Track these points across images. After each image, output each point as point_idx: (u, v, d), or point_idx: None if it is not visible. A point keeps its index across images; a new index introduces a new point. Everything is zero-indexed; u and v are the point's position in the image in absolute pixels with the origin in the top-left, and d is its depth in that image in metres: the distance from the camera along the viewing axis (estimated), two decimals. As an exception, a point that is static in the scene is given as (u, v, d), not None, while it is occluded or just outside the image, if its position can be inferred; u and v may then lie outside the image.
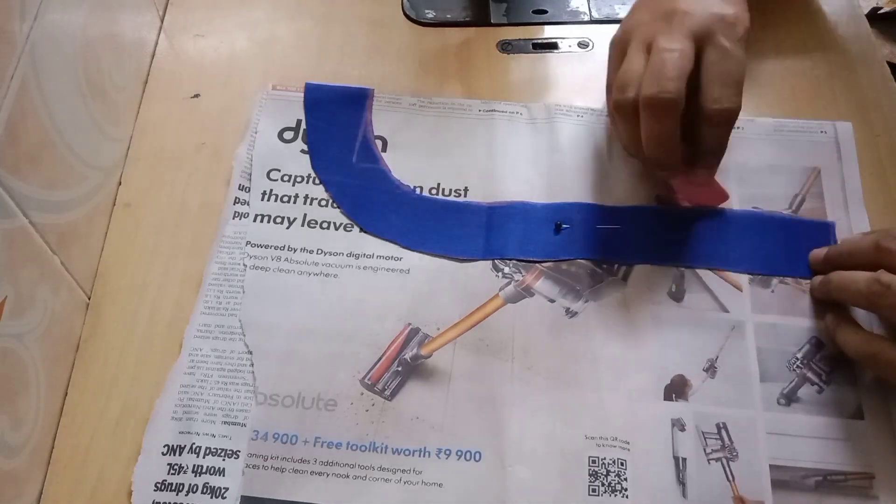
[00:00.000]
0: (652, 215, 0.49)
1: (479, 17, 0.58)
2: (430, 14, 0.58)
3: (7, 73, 0.37)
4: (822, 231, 0.48)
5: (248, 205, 0.49)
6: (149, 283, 0.47)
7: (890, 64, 0.58)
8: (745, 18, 0.45)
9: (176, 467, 0.41)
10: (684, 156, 0.45)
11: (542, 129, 0.52)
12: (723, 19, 0.44)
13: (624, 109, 0.44)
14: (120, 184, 0.50)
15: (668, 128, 0.43)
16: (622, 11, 0.58)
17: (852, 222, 0.49)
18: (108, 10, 0.49)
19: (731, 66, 0.43)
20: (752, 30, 0.46)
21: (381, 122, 0.52)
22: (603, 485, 0.41)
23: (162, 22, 0.57)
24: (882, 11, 1.06)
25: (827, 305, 0.45)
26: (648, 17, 0.46)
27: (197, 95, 0.54)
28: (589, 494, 0.41)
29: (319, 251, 0.47)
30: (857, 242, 0.45)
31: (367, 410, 0.43)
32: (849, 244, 0.46)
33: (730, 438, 0.42)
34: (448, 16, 0.58)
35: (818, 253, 0.47)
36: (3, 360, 0.37)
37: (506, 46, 0.57)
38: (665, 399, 0.43)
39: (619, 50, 0.47)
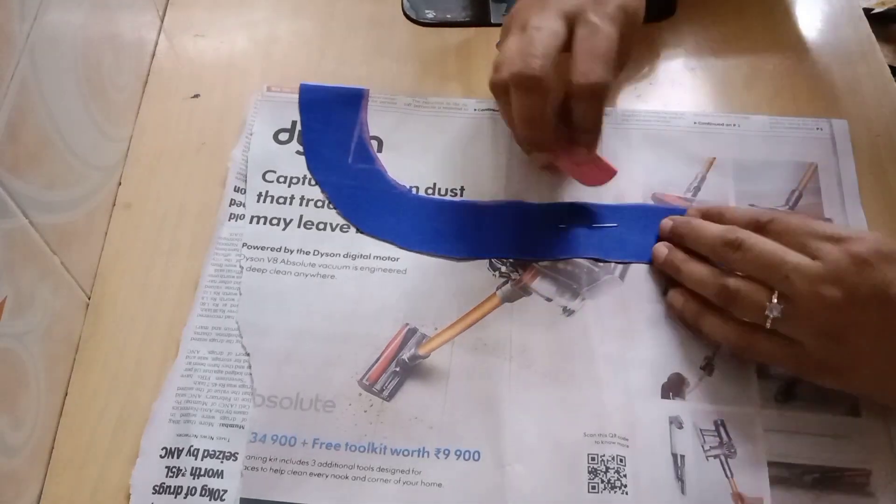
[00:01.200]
0: (649, 214, 0.49)
1: (479, 17, 0.58)
2: (430, 14, 0.58)
3: (7, 73, 0.37)
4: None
5: (243, 206, 0.49)
6: (149, 283, 0.47)
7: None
8: None
9: (174, 470, 0.41)
10: (565, 135, 0.46)
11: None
12: None
13: (498, 89, 0.45)
14: (120, 184, 0.50)
15: (537, 105, 0.44)
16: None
17: (849, 218, 0.49)
18: (108, 10, 0.49)
19: (598, 40, 0.44)
20: (640, 8, 0.47)
21: (377, 122, 0.52)
22: (602, 481, 0.41)
23: (162, 22, 0.58)
24: (874, 12, 1.06)
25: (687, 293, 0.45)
26: (528, 1, 0.47)
27: (197, 95, 0.54)
28: (589, 491, 0.41)
29: (316, 252, 0.47)
30: (705, 229, 0.44)
31: (365, 411, 0.43)
32: (696, 231, 0.45)
33: (728, 435, 0.42)
34: (448, 16, 0.58)
35: (666, 223, 0.47)
36: (3, 360, 0.37)
37: (505, 46, 0.57)
38: (663, 397, 0.43)
39: (502, 34, 0.48)
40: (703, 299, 0.43)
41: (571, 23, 0.45)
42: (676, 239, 0.46)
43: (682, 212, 0.49)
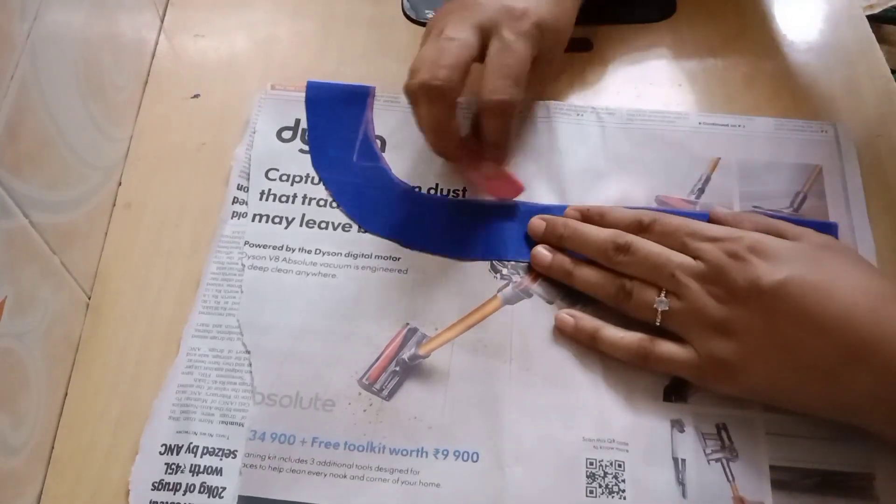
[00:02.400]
0: (651, 215, 0.49)
1: (479, 16, 0.58)
2: (430, 14, 0.58)
3: (7, 73, 0.37)
4: (825, 232, 0.48)
5: (246, 204, 0.49)
6: (149, 283, 0.47)
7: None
8: (536, 13, 0.46)
9: (173, 467, 0.41)
10: (476, 146, 0.47)
11: (541, 129, 0.52)
12: (510, 12, 0.45)
13: (410, 94, 0.45)
14: (120, 184, 0.50)
15: (442, 115, 0.44)
16: (622, 12, 0.58)
17: (854, 221, 0.49)
18: (108, 10, 0.49)
19: (509, 58, 0.44)
20: (560, 31, 0.47)
21: (380, 121, 0.52)
22: (600, 486, 0.41)
23: (162, 22, 0.58)
24: (865, 14, 1.06)
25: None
26: (451, 7, 0.47)
27: (197, 95, 0.54)
28: (586, 496, 0.40)
29: (318, 251, 0.47)
30: (591, 233, 0.45)
31: (364, 410, 0.43)
32: (583, 235, 0.45)
33: (730, 439, 0.42)
34: (448, 16, 0.58)
35: (538, 224, 0.47)
36: (4, 360, 0.37)
37: (506, 46, 0.57)
38: (664, 400, 0.43)
39: (423, 38, 0.48)
40: (592, 318, 0.44)
41: (486, 36, 0.45)
42: (554, 241, 0.46)
43: (683, 215, 0.48)
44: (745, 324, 0.40)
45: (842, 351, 0.38)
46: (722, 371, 0.41)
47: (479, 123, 0.46)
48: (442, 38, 0.44)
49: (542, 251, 0.46)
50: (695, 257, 0.42)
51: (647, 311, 0.43)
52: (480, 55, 0.45)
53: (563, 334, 0.44)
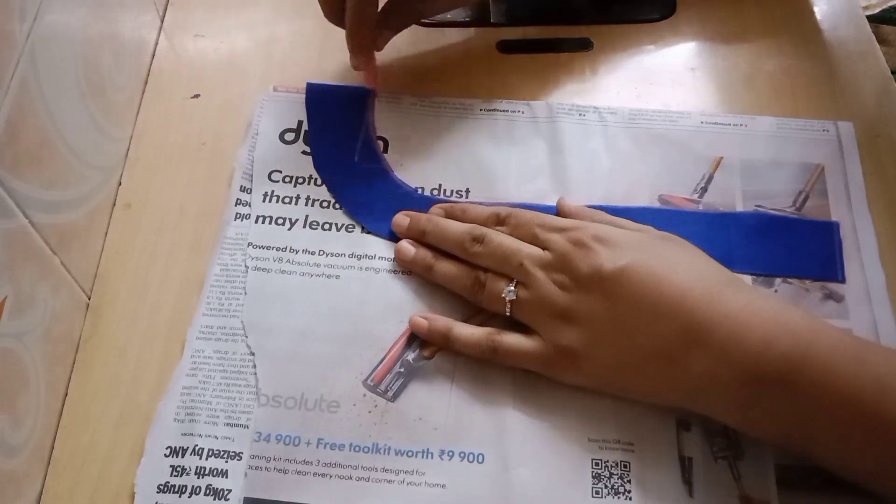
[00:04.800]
0: (654, 216, 0.49)
1: (479, 17, 0.58)
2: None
3: (7, 73, 0.37)
4: (827, 231, 0.48)
5: (249, 206, 0.49)
6: (149, 284, 0.46)
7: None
8: None
9: (178, 469, 0.40)
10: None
11: (543, 129, 0.52)
12: None
13: None
14: (120, 184, 0.50)
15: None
16: (623, 12, 0.58)
17: (855, 220, 0.49)
18: (108, 10, 0.49)
19: None
20: None
21: (382, 122, 0.52)
22: (606, 487, 0.41)
23: (162, 22, 0.57)
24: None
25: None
26: None
27: (197, 96, 0.54)
28: (592, 496, 0.40)
29: (321, 252, 0.47)
30: (451, 227, 0.46)
31: (369, 412, 0.42)
32: (443, 229, 0.46)
33: (736, 436, 0.42)
34: (448, 16, 0.58)
35: (402, 220, 0.47)
36: (3, 360, 0.37)
37: (506, 46, 0.57)
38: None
39: None
40: (445, 318, 0.44)
41: None
42: (416, 236, 0.47)
43: (685, 215, 0.48)
44: (587, 310, 0.40)
45: (680, 333, 0.39)
46: (568, 360, 0.41)
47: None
48: None
49: (405, 245, 0.46)
50: (543, 248, 0.43)
51: (497, 301, 0.43)
52: None
53: (419, 333, 0.44)
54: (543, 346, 0.42)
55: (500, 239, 0.44)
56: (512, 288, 0.43)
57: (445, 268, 0.45)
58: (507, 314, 0.43)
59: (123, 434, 0.42)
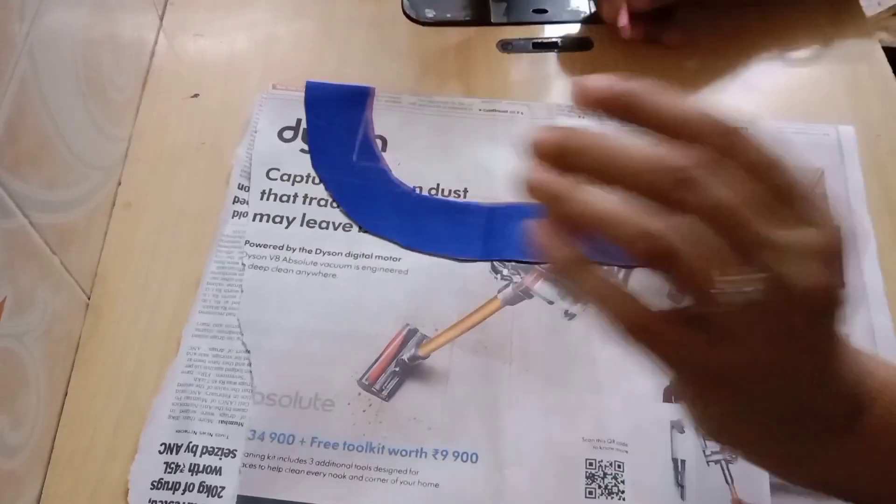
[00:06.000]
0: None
1: (479, 16, 0.58)
2: (430, 14, 0.58)
3: (7, 73, 0.37)
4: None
5: (247, 204, 0.49)
6: (149, 283, 0.47)
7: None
8: None
9: (173, 466, 0.41)
10: None
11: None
12: None
13: None
14: (120, 184, 0.50)
15: None
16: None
17: (856, 224, 0.49)
18: (108, 10, 0.49)
19: None
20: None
21: (381, 121, 0.52)
22: (600, 487, 0.41)
23: (161, 22, 0.58)
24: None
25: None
26: None
27: (196, 95, 0.54)
28: (586, 496, 0.41)
29: (318, 251, 0.47)
30: (629, 151, 0.27)
31: (364, 411, 0.43)
32: (612, 150, 0.27)
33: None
34: (448, 15, 0.58)
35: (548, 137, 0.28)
36: (3, 360, 0.37)
37: (506, 46, 0.57)
38: (664, 401, 0.43)
39: None
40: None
41: None
42: (561, 159, 0.28)
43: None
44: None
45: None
46: (713, 387, 0.29)
47: None
48: None
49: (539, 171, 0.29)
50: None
51: (707, 282, 0.26)
52: None
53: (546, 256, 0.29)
54: (702, 357, 0.27)
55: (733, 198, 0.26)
56: (760, 275, 0.25)
57: (608, 202, 0.27)
58: (718, 307, 0.26)
59: (123, 434, 0.42)
